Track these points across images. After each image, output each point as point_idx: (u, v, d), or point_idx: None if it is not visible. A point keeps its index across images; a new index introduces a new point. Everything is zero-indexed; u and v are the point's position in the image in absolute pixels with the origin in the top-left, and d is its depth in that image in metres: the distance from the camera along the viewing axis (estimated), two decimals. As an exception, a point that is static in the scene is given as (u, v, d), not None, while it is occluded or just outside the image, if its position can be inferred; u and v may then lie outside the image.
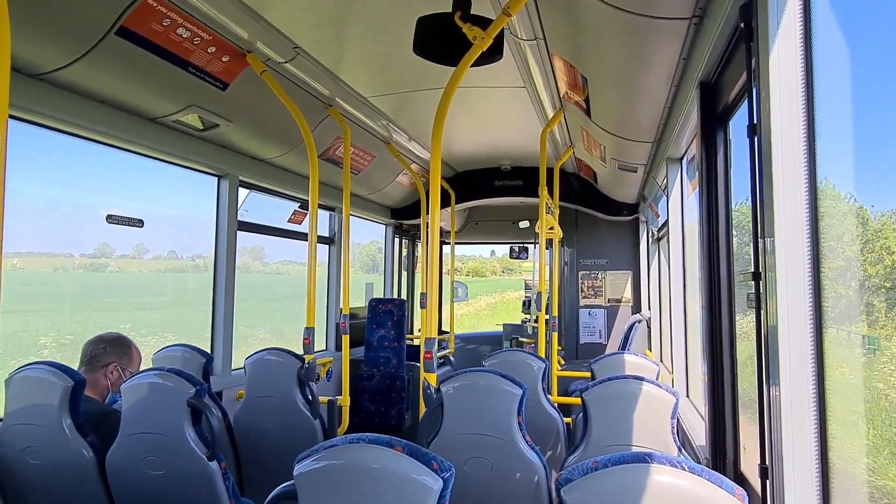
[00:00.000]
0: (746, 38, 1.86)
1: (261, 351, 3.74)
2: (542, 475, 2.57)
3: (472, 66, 2.83)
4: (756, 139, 1.83)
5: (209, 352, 3.98)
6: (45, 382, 2.44)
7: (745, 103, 1.95)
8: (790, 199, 1.62)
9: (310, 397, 3.61)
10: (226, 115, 3.74)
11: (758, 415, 1.90)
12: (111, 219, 3.48)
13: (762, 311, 1.81)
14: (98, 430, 2.54)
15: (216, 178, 4.34)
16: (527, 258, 9.61)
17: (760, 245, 1.79)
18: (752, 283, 1.92)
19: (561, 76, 3.75)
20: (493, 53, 2.93)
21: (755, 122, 1.83)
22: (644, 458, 1.36)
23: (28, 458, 2.45)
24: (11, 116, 2.40)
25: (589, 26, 2.82)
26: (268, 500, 1.67)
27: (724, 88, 2.52)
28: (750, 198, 1.96)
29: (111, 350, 2.80)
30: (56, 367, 2.48)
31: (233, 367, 4.43)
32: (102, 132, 3.28)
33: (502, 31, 2.87)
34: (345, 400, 4.35)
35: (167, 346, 3.71)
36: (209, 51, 3.20)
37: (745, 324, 2.63)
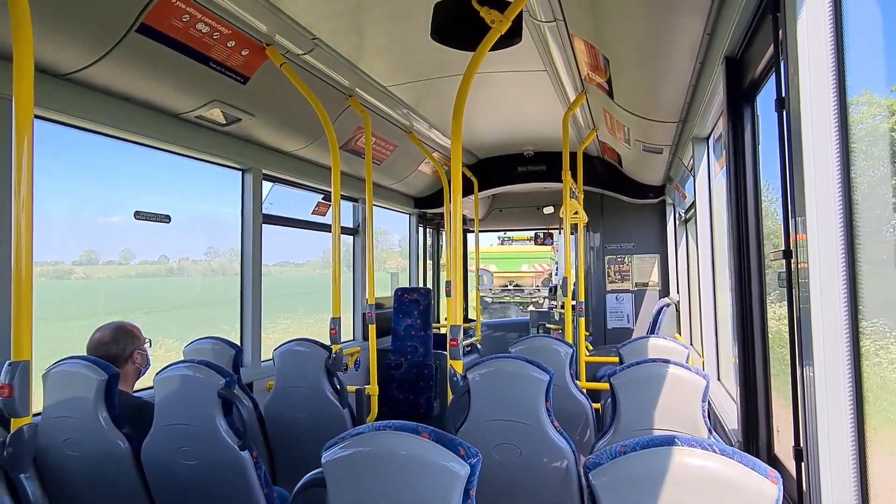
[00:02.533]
0: (773, 9, 1.80)
1: (289, 342, 3.78)
2: (571, 460, 2.55)
3: (490, 50, 2.80)
4: (784, 113, 1.77)
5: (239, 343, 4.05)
6: (80, 377, 2.50)
7: (773, 77, 1.90)
8: (821, 175, 1.57)
9: (338, 387, 3.64)
10: (247, 109, 3.76)
11: (791, 396, 1.86)
12: (139, 214, 3.54)
13: (794, 290, 1.77)
14: (133, 421, 2.59)
15: (240, 172, 4.39)
16: (552, 244, 9.55)
17: (791, 224, 1.74)
18: (783, 261, 1.87)
19: (582, 58, 3.69)
20: (512, 37, 2.90)
21: (783, 95, 1.77)
22: (673, 441, 1.34)
23: (67, 449, 2.52)
24: (37, 117, 2.44)
25: (610, 5, 2.76)
26: (297, 487, 1.69)
27: (750, 63, 2.46)
28: (780, 174, 1.91)
29: (125, 340, 2.85)
30: (90, 361, 2.54)
31: (262, 359, 4.49)
32: (127, 130, 3.33)
33: (521, 13, 2.83)
34: (373, 389, 4.38)
35: (197, 339, 3.77)
36: (229, 45, 3.22)
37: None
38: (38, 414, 2.55)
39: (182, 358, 3.10)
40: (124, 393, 2.73)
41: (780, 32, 1.77)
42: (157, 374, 2.64)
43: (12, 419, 1.86)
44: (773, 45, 1.88)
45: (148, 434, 2.54)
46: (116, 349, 2.80)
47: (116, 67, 2.91)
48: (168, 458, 2.51)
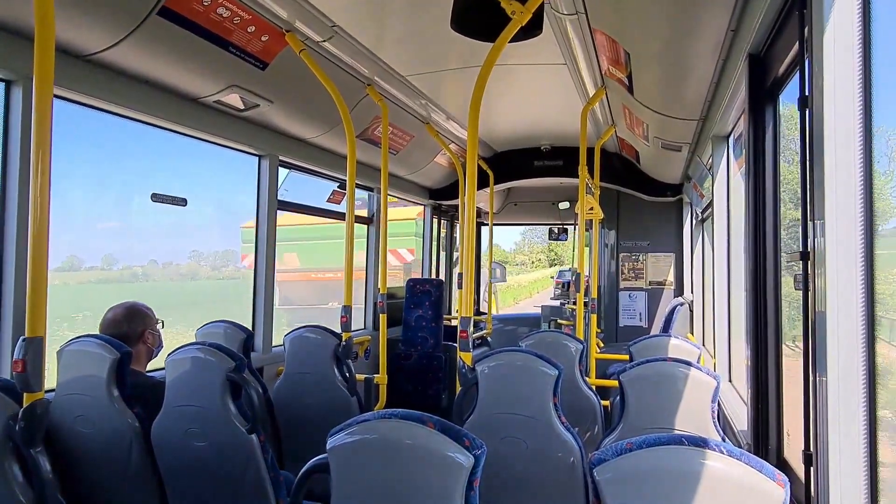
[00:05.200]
0: (799, 6, 1.77)
1: (300, 328, 3.80)
2: (577, 456, 2.55)
3: (510, 41, 2.78)
4: (807, 113, 1.74)
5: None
6: (93, 355, 2.53)
7: (797, 76, 1.86)
8: (843, 177, 1.54)
9: (347, 375, 3.66)
10: (266, 95, 3.77)
11: (802, 400, 1.84)
12: (156, 197, 3.57)
13: (810, 294, 1.74)
14: (144, 401, 2.62)
15: (256, 158, 4.40)
16: (566, 240, 9.50)
17: (810, 227, 1.71)
18: (800, 264, 1.84)
19: (603, 52, 3.65)
20: (533, 29, 2.87)
21: (807, 94, 1.74)
22: (680, 440, 1.32)
23: (78, 427, 2.55)
24: (57, 97, 2.47)
25: (632, -1, 2.73)
26: (301, 472, 1.70)
27: (774, 60, 2.41)
28: (800, 175, 1.87)
29: (137, 321, 2.88)
30: (104, 340, 2.57)
31: (273, 344, 4.52)
32: (145, 112, 3.35)
33: (542, 5, 2.80)
34: (382, 378, 4.40)
35: (210, 322, 3.80)
36: (249, 30, 3.22)
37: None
38: (52, 390, 2.59)
39: (195, 340, 3.13)
40: (136, 372, 2.77)
41: (806, 30, 1.74)
42: (168, 355, 2.67)
43: (25, 394, 1.88)
44: (797, 42, 1.84)
45: (158, 414, 2.57)
46: (128, 328, 2.83)
47: (137, 50, 2.93)
48: (177, 439, 2.53)
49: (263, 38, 3.35)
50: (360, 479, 1.59)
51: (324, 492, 1.68)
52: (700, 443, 1.32)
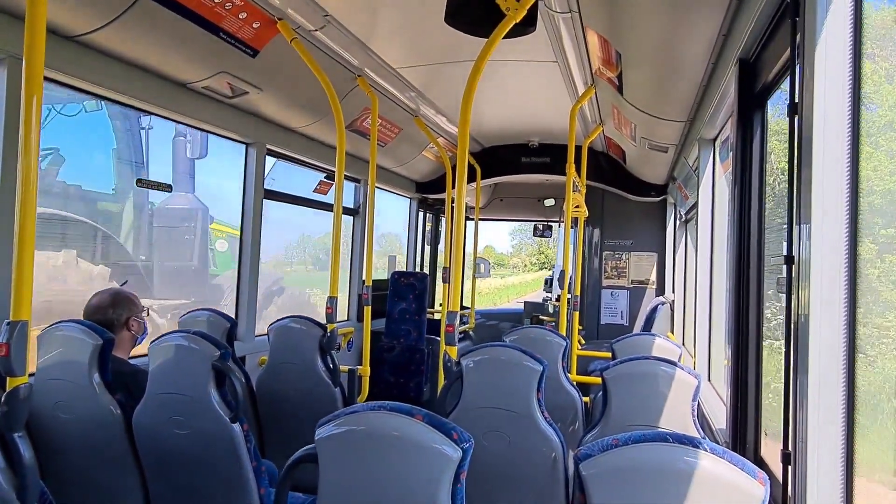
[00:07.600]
0: (792, 14, 1.79)
1: (284, 318, 3.79)
2: (559, 452, 2.57)
3: (503, 37, 2.78)
4: (797, 119, 1.77)
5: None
6: (75, 340, 2.50)
7: (787, 82, 1.89)
8: (830, 184, 1.57)
9: (331, 366, 3.65)
10: (255, 83, 3.74)
11: (783, 401, 1.88)
12: (141, 183, 3.53)
13: (793, 298, 1.78)
14: (126, 388, 2.60)
15: (244, 146, 4.36)
16: (551, 236, 9.55)
17: (795, 231, 1.74)
18: (783, 267, 1.88)
19: (594, 51, 3.67)
20: (526, 25, 2.87)
21: (796, 101, 1.77)
22: (665, 437, 1.35)
23: (59, 412, 2.52)
24: (46, 78, 2.42)
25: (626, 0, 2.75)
26: (289, 461, 1.70)
27: (764, 66, 2.45)
28: (787, 180, 1.90)
29: (122, 307, 2.84)
30: (86, 325, 2.54)
31: (256, 334, 4.49)
32: (133, 96, 3.31)
33: (536, 2, 2.81)
34: (365, 370, 4.40)
35: (193, 310, 3.77)
36: (240, 17, 3.19)
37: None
38: (32, 374, 2.55)
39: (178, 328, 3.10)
40: (118, 359, 2.73)
41: (798, 37, 1.76)
42: (151, 342, 2.64)
43: (8, 378, 1.86)
44: (789, 49, 1.87)
45: (140, 401, 2.55)
46: (112, 315, 2.80)
47: (126, 32, 2.89)
48: (159, 427, 2.51)
49: (255, 25, 3.31)
50: (347, 469, 1.60)
51: (309, 482, 1.68)
52: (684, 440, 1.35)
